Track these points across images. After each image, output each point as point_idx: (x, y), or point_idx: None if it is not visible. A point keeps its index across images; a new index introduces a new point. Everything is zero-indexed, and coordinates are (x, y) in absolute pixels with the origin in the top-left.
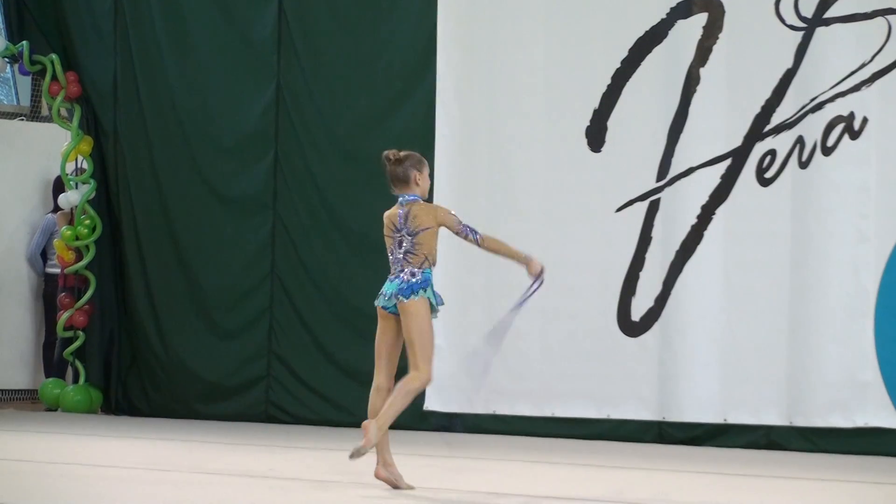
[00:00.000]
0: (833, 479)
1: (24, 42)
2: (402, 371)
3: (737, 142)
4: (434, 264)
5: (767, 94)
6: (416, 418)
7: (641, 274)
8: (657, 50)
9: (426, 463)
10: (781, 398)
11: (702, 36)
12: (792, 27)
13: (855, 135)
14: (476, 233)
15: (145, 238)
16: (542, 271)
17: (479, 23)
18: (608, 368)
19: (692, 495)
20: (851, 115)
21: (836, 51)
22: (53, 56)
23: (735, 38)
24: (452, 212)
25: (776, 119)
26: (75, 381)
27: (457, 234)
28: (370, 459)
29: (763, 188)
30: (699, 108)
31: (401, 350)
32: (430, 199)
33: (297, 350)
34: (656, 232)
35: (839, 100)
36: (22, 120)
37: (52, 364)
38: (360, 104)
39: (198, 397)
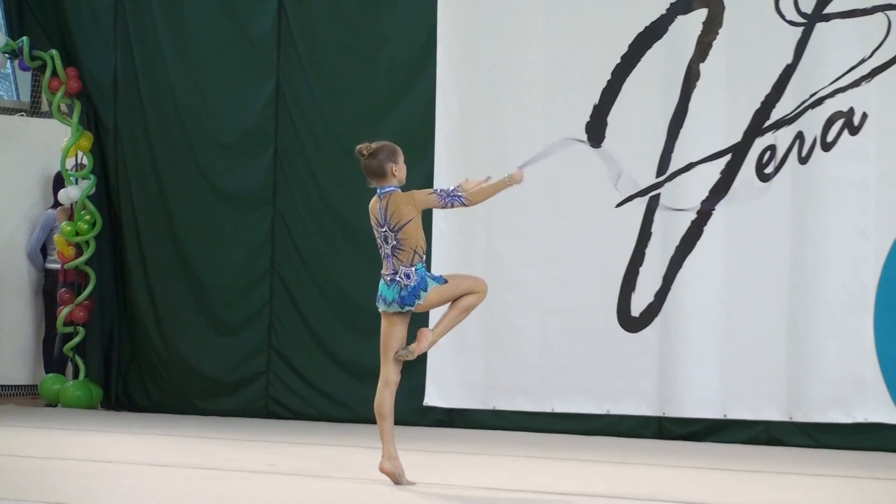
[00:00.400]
0: (833, 474)
1: (25, 37)
2: (406, 366)
3: (736, 137)
4: (424, 253)
5: (767, 89)
6: (416, 413)
7: (641, 269)
8: (657, 45)
9: (426, 458)
10: (781, 394)
11: (702, 31)
12: (791, 23)
13: (854, 130)
14: (458, 197)
15: (145, 234)
16: (520, 178)
17: (479, 19)
18: (608, 364)
19: (692, 491)
20: (851, 111)
21: (836, 46)
22: (53, 52)
23: (735, 33)
24: (429, 191)
25: (776, 114)
26: (75, 376)
27: (443, 208)
28: (372, 454)
29: (763, 184)
30: (699, 104)
31: (406, 340)
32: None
33: (297, 346)
34: (656, 227)
35: (839, 95)
36: (22, 115)
37: (52, 360)
38: (360, 100)
39: (198, 393)
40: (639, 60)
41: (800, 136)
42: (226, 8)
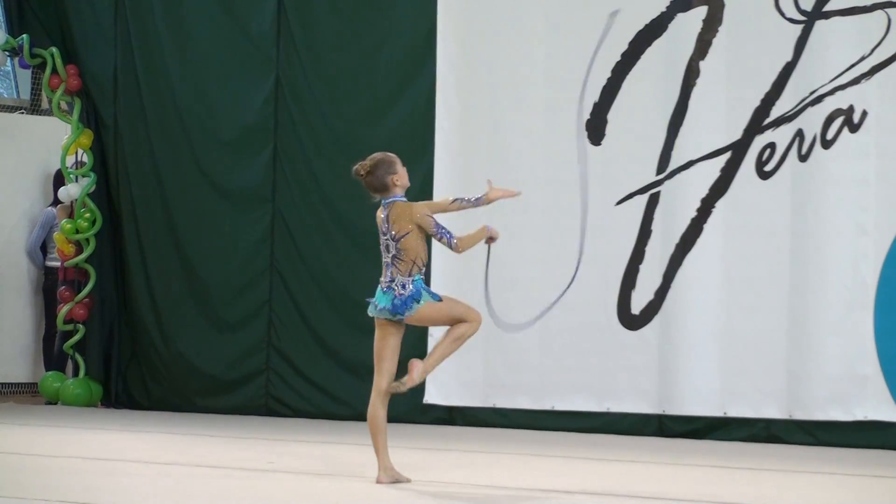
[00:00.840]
0: (833, 472)
1: (25, 35)
2: (402, 369)
3: (736, 135)
4: (423, 266)
5: (767, 87)
6: (415, 411)
7: (641, 267)
8: (657, 43)
9: (425, 456)
10: (781, 392)
11: (701, 29)
12: (791, 20)
13: (854, 128)
14: (452, 237)
15: (145, 231)
16: (493, 234)
17: (479, 16)
18: (608, 362)
19: (692, 489)
20: (851, 109)
21: (836, 44)
22: (53, 49)
23: (735, 31)
24: (428, 213)
25: (776, 112)
26: (75, 374)
27: (432, 236)
28: (372, 452)
29: (763, 181)
30: (699, 102)
31: (399, 352)
32: (428, 193)
33: (297, 343)
34: (656, 225)
35: (839, 93)
36: (22, 113)
37: (52, 357)
38: (360, 97)
39: (197, 390)
40: (639, 58)
41: (800, 134)
42: (225, 5)
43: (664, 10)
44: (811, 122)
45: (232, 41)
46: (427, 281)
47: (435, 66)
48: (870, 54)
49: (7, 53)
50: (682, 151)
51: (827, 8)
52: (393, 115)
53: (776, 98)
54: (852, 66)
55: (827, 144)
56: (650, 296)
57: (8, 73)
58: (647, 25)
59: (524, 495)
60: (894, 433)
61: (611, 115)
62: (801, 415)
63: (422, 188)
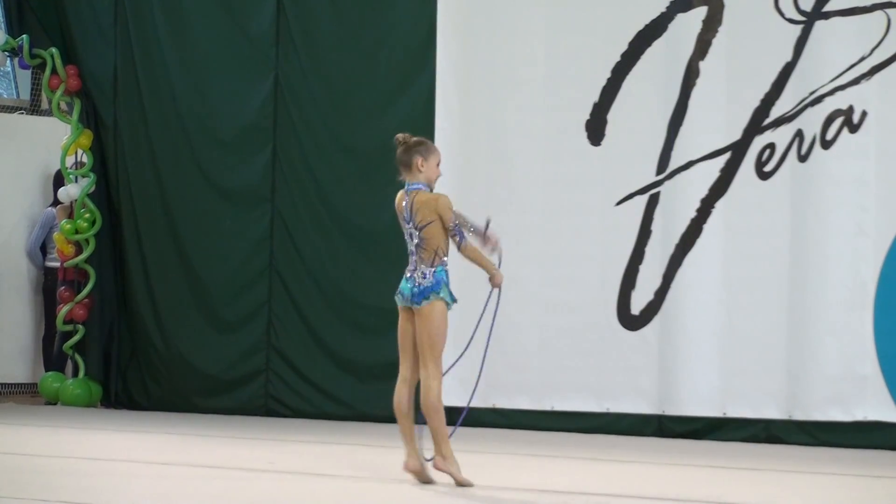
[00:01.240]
0: (832, 472)
1: (24, 36)
2: None
3: (736, 135)
4: (445, 256)
5: (767, 87)
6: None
7: (641, 267)
8: (657, 43)
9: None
10: (781, 392)
11: (701, 29)
12: (791, 21)
13: (854, 128)
14: (463, 237)
15: (145, 231)
16: (500, 282)
17: (479, 15)
18: (608, 362)
19: (692, 489)
20: (851, 109)
21: (836, 44)
22: (53, 50)
23: (734, 31)
24: (453, 207)
25: (775, 112)
26: (75, 374)
27: (446, 230)
28: (372, 452)
29: (762, 181)
30: (699, 102)
31: None
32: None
33: (296, 343)
34: (656, 225)
35: (838, 93)
36: (22, 114)
37: (52, 358)
38: (359, 97)
39: (197, 391)
40: (639, 58)
41: (799, 134)
42: (225, 5)
43: (664, 10)
44: (811, 122)
45: (231, 41)
46: None
47: (434, 65)
48: (869, 55)
49: (7, 54)
50: (682, 152)
51: (827, 8)
52: (392, 115)
53: (776, 98)
54: (852, 66)
55: (827, 145)
56: (650, 296)
57: (8, 73)
58: (646, 26)
59: (524, 495)
60: (894, 433)
61: (610, 116)
62: (800, 415)
63: None
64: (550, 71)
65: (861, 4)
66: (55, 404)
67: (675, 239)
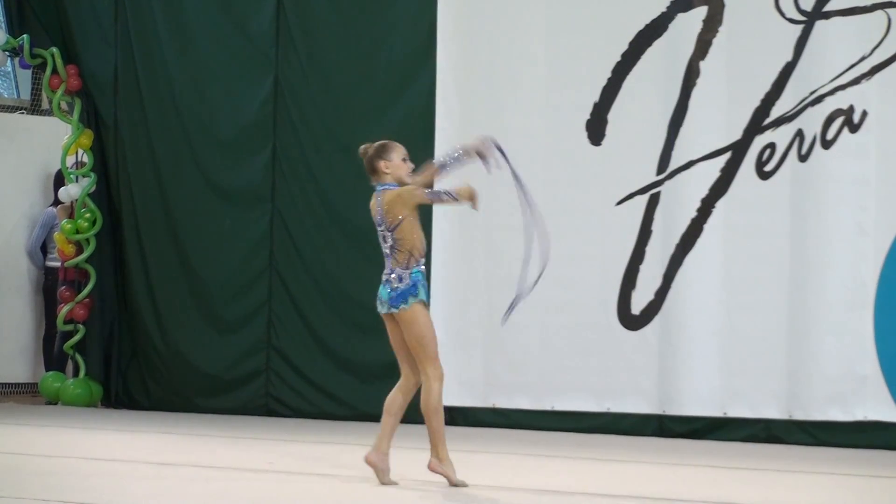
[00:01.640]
0: (832, 472)
1: (25, 35)
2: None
3: (736, 135)
4: (422, 256)
5: (767, 87)
6: (414, 412)
7: (641, 267)
8: (657, 43)
9: (424, 456)
10: (781, 392)
11: (702, 29)
12: (791, 20)
13: (854, 128)
14: (450, 193)
15: (145, 231)
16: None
17: (479, 16)
18: (608, 362)
19: (693, 489)
20: (851, 109)
21: (836, 44)
22: (54, 49)
23: (735, 31)
24: (418, 188)
25: (776, 112)
26: (75, 374)
27: (433, 203)
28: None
29: (763, 181)
30: (699, 102)
31: None
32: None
33: (296, 343)
34: (656, 225)
35: (839, 93)
36: (22, 113)
37: (53, 357)
38: (359, 97)
39: (197, 391)
40: (639, 58)
41: (800, 134)
42: (225, 5)
43: (664, 10)
44: (811, 122)
45: (231, 41)
46: (428, 266)
47: (435, 65)
48: (870, 54)
49: (7, 53)
50: (683, 151)
51: (827, 8)
52: (393, 114)
53: (776, 98)
54: (852, 66)
55: (827, 144)
56: (650, 296)
57: (8, 73)
58: (647, 25)
59: (523, 495)
60: (894, 433)
61: (611, 115)
62: (800, 415)
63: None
64: (551, 71)
65: (861, 4)
66: (56, 404)
67: (676, 239)
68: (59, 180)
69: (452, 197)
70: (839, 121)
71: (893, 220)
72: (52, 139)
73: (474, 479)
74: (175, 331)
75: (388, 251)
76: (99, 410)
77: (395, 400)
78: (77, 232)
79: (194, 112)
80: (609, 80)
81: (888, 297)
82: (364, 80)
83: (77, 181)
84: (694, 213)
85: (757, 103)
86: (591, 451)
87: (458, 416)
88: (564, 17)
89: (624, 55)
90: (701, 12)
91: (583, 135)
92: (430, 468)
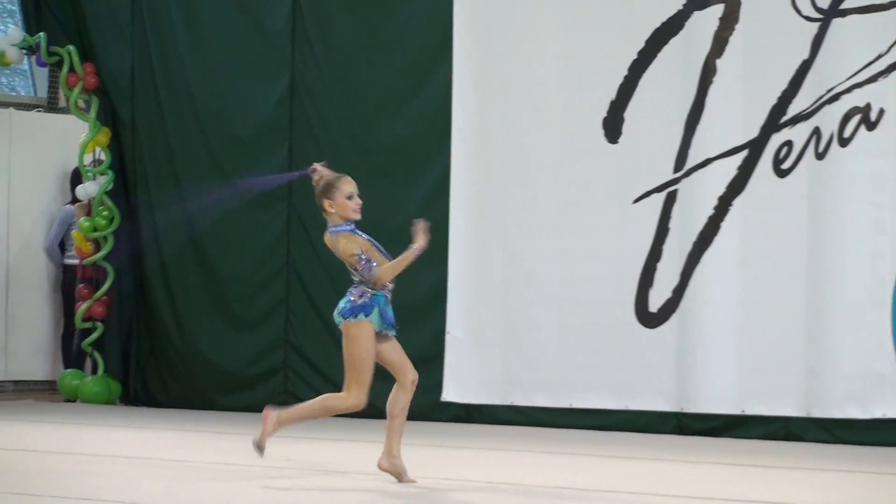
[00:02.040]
0: (851, 470)
1: (42, 33)
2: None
3: (753, 133)
4: (391, 283)
5: (784, 85)
6: (433, 409)
7: (659, 265)
8: (674, 41)
9: (442, 454)
10: (799, 389)
11: (718, 27)
12: (808, 18)
13: (871, 126)
14: (369, 270)
15: (163, 228)
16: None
17: (495, 13)
18: (626, 359)
19: (711, 487)
20: (868, 106)
21: (853, 42)
22: (71, 47)
23: (751, 29)
24: (352, 255)
25: (793, 110)
26: (94, 372)
27: (358, 272)
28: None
29: (780, 179)
30: (716, 100)
31: (396, 347)
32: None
33: (313, 340)
34: (674, 223)
35: (856, 91)
36: (39, 111)
37: (71, 355)
38: (375, 95)
39: (216, 388)
40: (655, 56)
41: (817, 132)
42: (241, 3)
43: (681, 7)
44: (828, 119)
45: (247, 39)
46: (445, 267)
47: (451, 63)
48: (887, 52)
49: (24, 51)
50: (700, 149)
51: (844, 5)
52: (409, 112)
53: (793, 96)
54: (869, 63)
55: (844, 142)
56: (668, 294)
57: (25, 70)
58: (663, 23)
59: (541, 493)
60: None
61: (627, 113)
62: (818, 412)
63: (438, 187)
64: (567, 68)
65: (878, 2)
66: (74, 401)
67: (693, 236)
68: (77, 178)
69: (370, 275)
70: (856, 118)
71: None
72: (70, 137)
73: (491, 476)
74: (193, 328)
75: (357, 279)
76: (117, 408)
77: (396, 401)
78: (95, 230)
79: (211, 110)
80: (625, 77)
81: None
82: (380, 77)
83: (94, 179)
84: (711, 211)
85: (774, 101)
86: (609, 448)
87: (476, 414)
88: (580, 15)
89: (640, 53)
90: (717, 10)
91: (599, 133)
92: (381, 466)
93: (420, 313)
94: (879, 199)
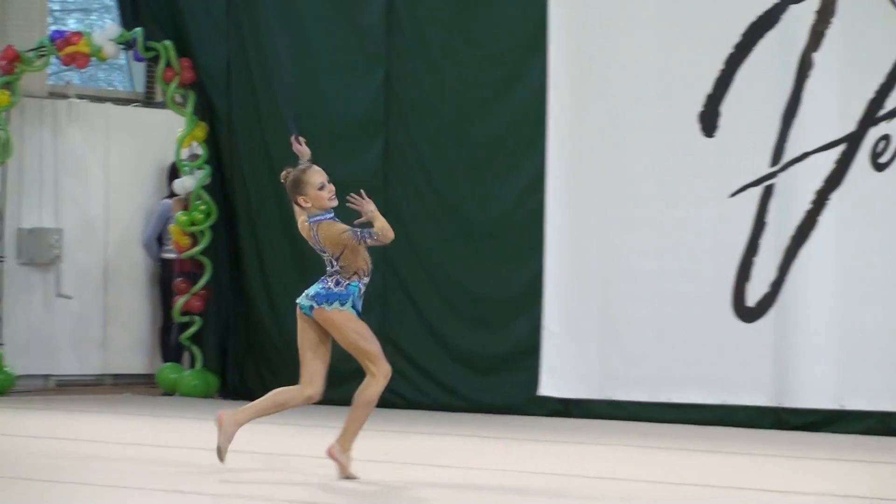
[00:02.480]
0: None
1: (139, 29)
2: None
3: (851, 127)
4: (367, 275)
5: (881, 78)
6: (531, 403)
7: (756, 259)
8: (770, 35)
9: (540, 448)
10: None
11: (815, 20)
12: None
13: None
14: (371, 234)
15: (259, 223)
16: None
17: (591, 6)
18: (723, 354)
19: (811, 482)
20: None
21: None
22: (167, 42)
23: (848, 22)
24: (341, 230)
25: (890, 103)
26: (192, 365)
27: (357, 245)
28: (487, 444)
29: (878, 173)
30: (812, 93)
31: (328, 352)
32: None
33: (411, 335)
34: (770, 217)
35: None
36: (137, 106)
37: (169, 349)
38: (471, 89)
39: None
40: (752, 49)
41: None
42: None
43: (777, 1)
44: None
45: (342, 33)
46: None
47: (546, 56)
48: None
49: (122, 47)
50: (796, 143)
51: None
52: (505, 106)
53: (891, 89)
54: None
55: None
56: (765, 288)
57: (123, 66)
58: (759, 17)
59: (640, 487)
60: None
61: (724, 107)
62: None
63: (534, 181)
64: (663, 62)
65: None
66: (172, 395)
67: (790, 231)
68: (174, 173)
69: (374, 238)
70: None
71: None
72: (167, 132)
73: (587, 470)
74: (290, 322)
75: (334, 270)
76: (216, 401)
77: (279, 394)
78: (192, 224)
79: (305, 104)
80: (722, 71)
81: None
82: (475, 72)
83: (192, 173)
84: (808, 205)
85: (871, 94)
86: (707, 443)
87: (574, 409)
88: (677, 8)
89: (737, 46)
90: (814, 3)
91: (696, 126)
92: (330, 453)
93: (517, 308)
94: None
